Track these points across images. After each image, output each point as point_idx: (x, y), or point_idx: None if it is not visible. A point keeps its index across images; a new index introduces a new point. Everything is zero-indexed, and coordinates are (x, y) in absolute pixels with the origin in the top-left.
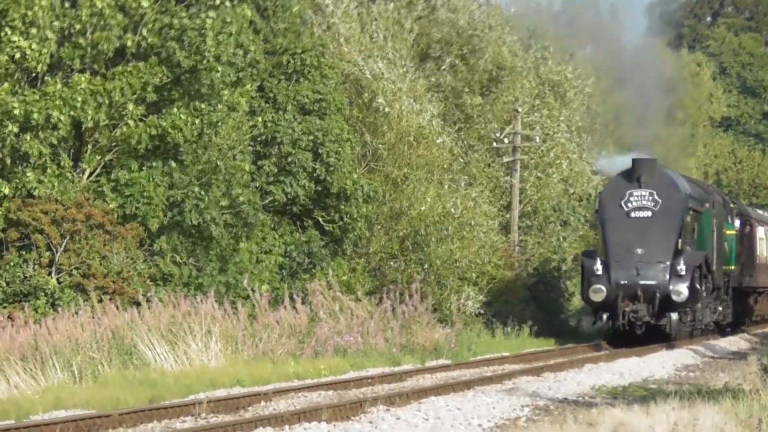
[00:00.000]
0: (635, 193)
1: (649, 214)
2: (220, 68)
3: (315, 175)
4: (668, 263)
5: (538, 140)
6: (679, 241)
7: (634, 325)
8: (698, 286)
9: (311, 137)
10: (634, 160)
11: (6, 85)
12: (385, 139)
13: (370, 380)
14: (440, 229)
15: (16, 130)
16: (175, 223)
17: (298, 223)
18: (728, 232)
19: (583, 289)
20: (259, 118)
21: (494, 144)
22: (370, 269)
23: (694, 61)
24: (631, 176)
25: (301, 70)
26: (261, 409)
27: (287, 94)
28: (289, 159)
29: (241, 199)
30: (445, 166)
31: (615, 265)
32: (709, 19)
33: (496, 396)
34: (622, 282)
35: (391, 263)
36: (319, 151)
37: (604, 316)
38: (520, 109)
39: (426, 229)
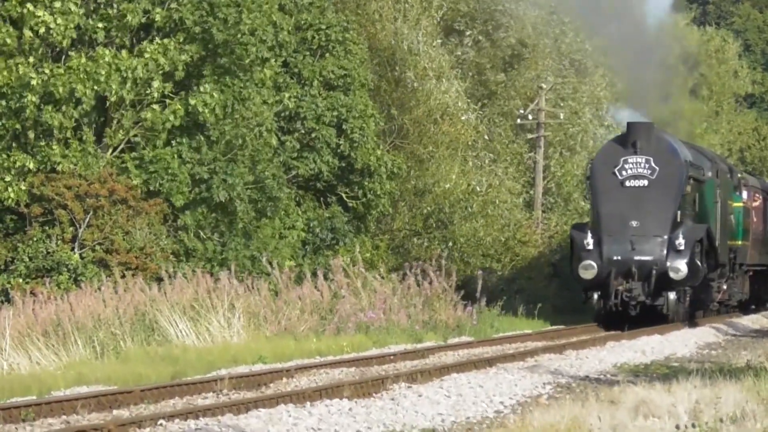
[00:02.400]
0: (630, 160)
1: (645, 183)
2: (255, 43)
3: (339, 151)
4: (666, 237)
5: (562, 117)
6: (678, 212)
7: (627, 305)
8: (699, 263)
9: (335, 113)
10: (628, 124)
11: (31, 59)
12: (412, 115)
13: (392, 357)
14: (464, 206)
15: (35, 100)
16: (201, 199)
17: (321, 199)
18: (735, 204)
19: (572, 266)
20: (286, 94)
21: (518, 120)
22: (394, 246)
23: (719, 36)
24: (626, 141)
25: (325, 46)
26: (283, 385)
27: (312, 69)
28: (313, 135)
29: (266, 173)
30: (470, 143)
31: (607, 239)
32: None
33: (518, 373)
34: (614, 258)
35: (415, 240)
36: (343, 127)
37: (595, 296)
38: (544, 86)
39: (450, 206)
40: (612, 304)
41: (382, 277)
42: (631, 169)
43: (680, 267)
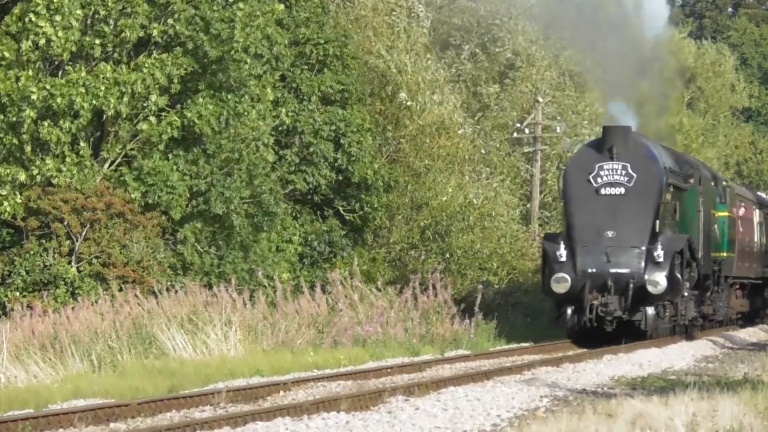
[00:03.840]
0: (606, 167)
1: (622, 190)
2: (248, 60)
3: (336, 164)
4: (644, 248)
5: (559, 131)
6: (657, 222)
7: (603, 320)
8: (679, 276)
9: (333, 127)
10: (604, 128)
11: (29, 72)
12: (406, 132)
13: (389, 370)
14: (461, 219)
15: (33, 115)
16: (198, 212)
17: (318, 212)
18: (719, 213)
19: (543, 279)
20: (283, 109)
21: (515, 134)
22: (391, 259)
23: (716, 50)
24: (601, 146)
25: (323, 60)
26: (280, 398)
27: (311, 84)
28: (311, 149)
29: (263, 188)
30: (466, 156)
31: (581, 250)
32: (730, 9)
33: (515, 386)
34: (589, 270)
35: (412, 253)
36: (341, 141)
37: (569, 311)
38: (540, 99)
39: (447, 219)
40: (586, 320)
41: (379, 290)
42: (606, 176)
43: (659, 280)
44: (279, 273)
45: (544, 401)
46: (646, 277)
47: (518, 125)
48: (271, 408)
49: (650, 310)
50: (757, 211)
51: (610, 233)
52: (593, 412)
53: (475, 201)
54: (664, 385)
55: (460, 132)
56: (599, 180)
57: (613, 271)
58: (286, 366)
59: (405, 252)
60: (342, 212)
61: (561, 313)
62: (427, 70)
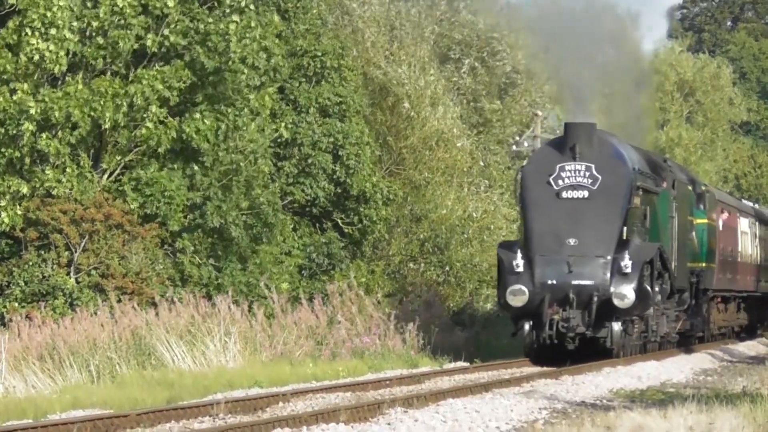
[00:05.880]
0: (567, 168)
1: (586, 194)
2: (245, 71)
3: (335, 177)
4: (609, 258)
5: None
6: (625, 229)
7: (564, 337)
8: (649, 288)
9: (331, 139)
10: (566, 125)
11: (25, 85)
12: (407, 143)
13: (388, 382)
14: (460, 232)
15: (33, 128)
16: (195, 224)
17: (317, 224)
18: (697, 220)
19: (499, 292)
20: (281, 122)
21: (514, 147)
22: (390, 272)
23: (714, 63)
24: (563, 145)
25: (321, 72)
26: (279, 409)
27: (308, 96)
28: (309, 161)
29: (261, 200)
30: (465, 169)
31: (540, 260)
32: (729, 23)
33: (514, 398)
34: (549, 282)
35: (411, 265)
36: (339, 153)
37: (526, 326)
38: (540, 113)
39: (446, 232)
40: (546, 336)
41: (379, 302)
42: (568, 177)
43: (626, 293)
44: (278, 284)
45: (543, 413)
46: (612, 289)
47: (517, 138)
48: (270, 419)
49: (616, 326)
50: (744, 220)
51: (572, 241)
52: (592, 424)
53: (474, 214)
54: (662, 398)
55: (459, 145)
56: (560, 182)
57: (575, 282)
58: (284, 377)
59: (404, 264)
60: (341, 224)
61: (518, 328)
62: (429, 84)
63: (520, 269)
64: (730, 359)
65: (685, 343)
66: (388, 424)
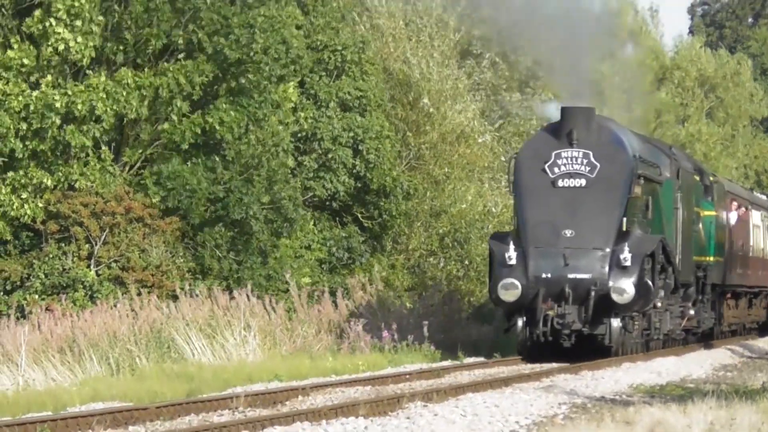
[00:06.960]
0: (564, 155)
1: (583, 182)
2: (269, 61)
3: (355, 171)
4: (608, 251)
5: None
6: (624, 220)
7: (559, 333)
8: (650, 283)
9: (351, 134)
10: (563, 109)
11: (49, 77)
12: (427, 138)
13: (407, 376)
14: (480, 227)
15: (58, 122)
16: (217, 217)
17: (337, 219)
18: (705, 212)
19: (490, 285)
20: (302, 114)
21: None
22: (410, 266)
23: (735, 59)
24: (560, 131)
25: (341, 67)
26: (298, 403)
27: (329, 90)
28: (330, 155)
29: (282, 194)
30: (486, 164)
31: (534, 252)
32: (750, 20)
33: (534, 393)
34: (543, 275)
35: (431, 260)
36: (359, 147)
37: (519, 322)
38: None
39: (466, 227)
40: (540, 333)
41: (399, 297)
42: (565, 165)
43: (625, 288)
44: (299, 278)
45: (563, 408)
46: (611, 283)
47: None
48: (290, 413)
49: (615, 323)
50: (756, 213)
51: (568, 232)
52: (611, 419)
53: (494, 209)
54: (682, 393)
55: (480, 141)
56: (556, 170)
57: (571, 276)
58: (304, 371)
59: (424, 258)
60: (361, 219)
61: (511, 324)
62: (449, 78)
63: (513, 262)
64: (750, 355)
65: (690, 340)
66: (408, 418)
